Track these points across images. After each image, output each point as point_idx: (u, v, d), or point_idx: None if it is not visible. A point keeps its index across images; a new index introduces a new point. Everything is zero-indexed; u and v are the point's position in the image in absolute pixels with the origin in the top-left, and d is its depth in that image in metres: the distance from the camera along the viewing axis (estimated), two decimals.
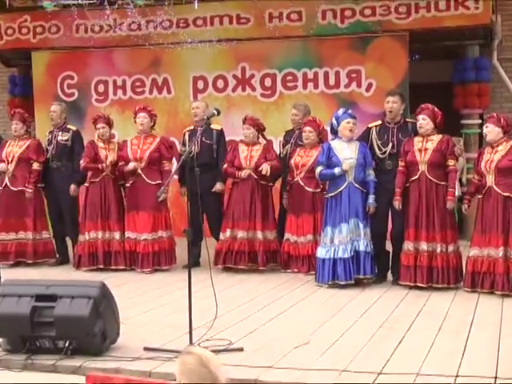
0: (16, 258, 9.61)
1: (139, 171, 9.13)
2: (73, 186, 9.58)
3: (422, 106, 7.94)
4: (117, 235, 9.26)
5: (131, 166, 9.11)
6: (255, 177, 8.98)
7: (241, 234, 8.92)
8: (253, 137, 9.10)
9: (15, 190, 9.60)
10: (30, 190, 9.57)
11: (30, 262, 9.59)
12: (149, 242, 9.00)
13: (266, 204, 9.02)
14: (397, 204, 7.88)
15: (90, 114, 12.27)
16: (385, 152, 8.17)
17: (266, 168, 8.81)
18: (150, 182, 9.05)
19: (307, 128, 8.83)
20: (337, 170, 7.99)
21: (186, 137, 9.47)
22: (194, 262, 8.82)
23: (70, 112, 10.59)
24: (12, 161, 9.65)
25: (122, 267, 9.17)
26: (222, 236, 9.00)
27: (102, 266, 9.20)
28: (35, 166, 9.67)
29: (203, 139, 9.22)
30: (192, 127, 9.51)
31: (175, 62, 12.24)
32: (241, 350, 5.51)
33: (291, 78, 11.90)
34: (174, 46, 11.94)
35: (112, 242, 9.27)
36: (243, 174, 8.95)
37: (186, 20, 12.05)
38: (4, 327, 5.51)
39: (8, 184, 9.61)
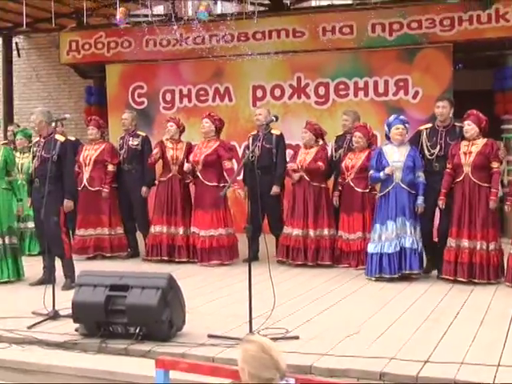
0: (94, 251, 9.74)
1: (198, 173, 9.20)
2: (144, 189, 9.68)
3: (468, 112, 7.83)
4: (181, 230, 9.32)
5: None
6: (307, 179, 8.96)
7: (296, 231, 8.92)
8: (309, 140, 9.07)
9: (93, 189, 9.73)
10: (106, 190, 9.71)
11: (107, 255, 9.72)
12: (206, 238, 9.02)
13: (318, 203, 8.98)
14: (440, 203, 7.82)
15: (159, 120, 12.44)
16: (433, 154, 8.09)
17: (297, 176, 8.87)
18: (206, 182, 9.08)
19: (357, 133, 8.78)
20: (382, 174, 7.99)
21: (250, 141, 9.47)
22: (253, 257, 8.90)
23: (139, 119, 10.72)
24: (89, 163, 9.78)
25: (184, 260, 9.23)
26: (285, 231, 9.04)
27: (166, 258, 9.27)
28: (110, 167, 9.81)
29: (264, 143, 9.23)
30: (255, 132, 9.50)
31: (236, 73, 12.29)
32: (296, 338, 5.50)
33: (343, 86, 11.85)
34: (235, 58, 11.98)
35: (176, 236, 9.32)
36: (295, 176, 8.96)
37: (247, 34, 12.11)
38: (81, 314, 5.60)
39: (86, 184, 9.74)
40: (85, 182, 9.73)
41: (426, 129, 8.29)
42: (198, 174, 9.20)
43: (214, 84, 12.51)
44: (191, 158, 9.24)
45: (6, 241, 8.12)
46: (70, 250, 8.05)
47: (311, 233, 8.87)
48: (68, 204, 7.77)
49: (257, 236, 8.40)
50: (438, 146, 8.08)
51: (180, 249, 9.30)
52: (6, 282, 8.04)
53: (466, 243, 7.62)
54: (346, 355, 5.05)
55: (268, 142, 9.26)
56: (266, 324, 5.72)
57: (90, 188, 9.73)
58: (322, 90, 11.98)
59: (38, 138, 8.10)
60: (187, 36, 12.24)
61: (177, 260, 9.27)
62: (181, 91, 12.75)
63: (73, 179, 8.11)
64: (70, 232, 8.38)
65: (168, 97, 12.83)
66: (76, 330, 5.70)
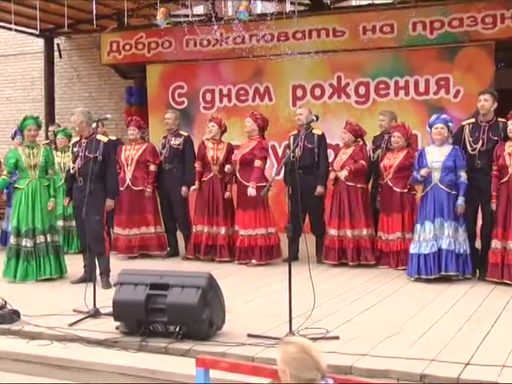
0: (139, 250, 9.84)
1: (236, 173, 9.23)
2: (184, 188, 9.73)
3: None
4: (222, 230, 9.35)
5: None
6: (342, 179, 8.93)
7: (332, 231, 8.90)
8: (348, 141, 9.03)
9: (136, 189, 9.81)
10: (149, 190, 9.81)
11: (151, 253, 9.82)
12: (245, 237, 9.02)
13: (354, 204, 8.93)
14: (493, 206, 7.70)
15: (199, 120, 12.50)
16: (475, 149, 7.99)
17: (343, 174, 8.79)
18: (244, 182, 9.07)
19: (396, 133, 8.72)
20: (419, 175, 7.94)
21: (291, 140, 9.45)
22: (293, 257, 8.87)
23: (180, 118, 10.75)
24: (131, 163, 9.87)
25: (226, 259, 9.25)
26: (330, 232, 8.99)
27: (206, 257, 9.32)
28: (152, 167, 9.89)
29: (305, 143, 9.20)
30: (296, 131, 9.47)
31: (276, 72, 12.29)
32: (336, 338, 5.48)
33: (383, 86, 11.78)
34: (275, 58, 11.98)
35: (218, 236, 9.36)
36: (331, 176, 8.92)
37: (287, 34, 12.10)
38: (121, 312, 5.64)
39: (130, 184, 9.82)
40: (128, 181, 9.81)
41: (469, 124, 8.18)
42: (237, 174, 9.22)
43: (254, 84, 12.53)
44: (233, 157, 9.29)
45: (48, 239, 8.24)
46: (110, 248, 8.12)
47: (348, 233, 8.83)
48: (110, 203, 7.88)
49: (297, 236, 8.39)
50: (480, 141, 7.97)
51: (221, 248, 9.33)
52: (48, 280, 8.16)
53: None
54: (386, 356, 5.02)
55: (310, 142, 9.21)
56: (306, 324, 5.71)
57: (133, 188, 9.81)
58: (362, 90, 11.93)
59: (76, 139, 8.17)
60: (227, 36, 12.27)
61: (218, 260, 9.30)
62: (221, 91, 12.79)
63: (115, 179, 8.17)
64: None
65: (208, 96, 12.88)
66: (116, 328, 5.74)
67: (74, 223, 9.90)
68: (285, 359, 2.91)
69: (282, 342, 3.11)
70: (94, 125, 7.88)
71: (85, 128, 7.93)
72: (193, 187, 9.62)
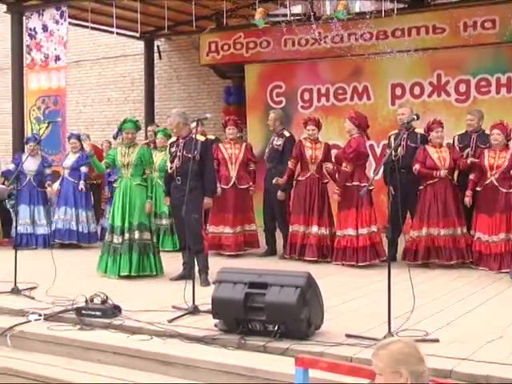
0: (244, 248, 9.98)
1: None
2: (279, 193, 9.70)
3: None
4: (315, 229, 9.32)
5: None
6: (449, 177, 8.77)
7: (432, 230, 8.71)
8: (442, 138, 8.90)
9: (241, 188, 9.94)
10: (253, 188, 10.02)
11: (253, 251, 9.95)
12: (341, 237, 8.96)
13: (457, 202, 8.77)
14: None
15: (297, 119, 12.51)
16: None
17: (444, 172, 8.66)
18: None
19: (495, 131, 8.53)
20: None
21: (392, 140, 9.33)
22: (391, 257, 8.76)
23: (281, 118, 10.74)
24: (236, 162, 9.99)
25: (317, 259, 9.22)
26: (412, 233, 8.81)
27: (297, 257, 9.32)
28: (252, 166, 10.06)
29: (408, 142, 9.09)
30: (396, 131, 9.35)
31: (375, 71, 12.19)
32: (436, 341, 5.38)
33: (485, 83, 11.52)
34: (373, 56, 11.90)
35: (312, 235, 9.34)
36: (442, 173, 8.72)
37: (386, 32, 11.99)
38: (220, 310, 5.70)
39: (236, 183, 9.93)
40: (234, 180, 9.94)
41: None
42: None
43: (352, 83, 12.47)
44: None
45: (136, 236, 8.37)
46: (208, 246, 8.22)
47: (442, 232, 8.65)
48: (208, 201, 7.99)
49: (396, 237, 8.28)
50: None
51: (315, 248, 9.30)
52: (147, 276, 8.32)
53: None
54: (487, 361, 4.89)
55: (413, 141, 9.09)
56: (405, 325, 5.63)
57: (238, 186, 9.94)
58: (462, 87, 11.70)
59: (174, 139, 8.29)
60: (325, 35, 12.26)
61: (309, 259, 9.26)
62: (319, 90, 12.78)
63: (213, 177, 8.25)
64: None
65: (306, 96, 12.90)
66: (215, 326, 5.81)
67: (164, 221, 10.13)
68: (395, 358, 2.85)
69: (378, 347, 3.02)
70: (193, 124, 7.99)
71: (182, 129, 8.05)
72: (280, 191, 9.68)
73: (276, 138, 10.00)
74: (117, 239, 8.35)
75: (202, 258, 7.90)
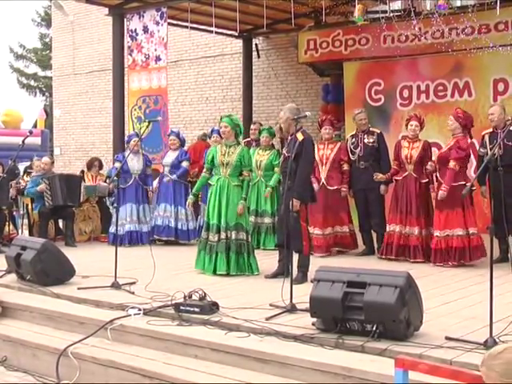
0: (333, 248, 9.93)
1: (437, 172, 9.02)
2: (382, 187, 9.66)
3: None
4: (415, 231, 9.17)
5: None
6: None
7: None
8: None
9: (331, 188, 9.85)
10: (344, 189, 9.87)
11: (343, 251, 9.88)
12: (441, 238, 8.74)
13: None
14: None
15: (395, 117, 12.37)
16: None
17: None
18: (442, 182, 8.83)
19: None
20: None
21: (486, 139, 9.08)
22: (500, 258, 8.52)
23: (376, 116, 10.69)
24: (326, 163, 9.92)
25: (419, 260, 9.07)
26: None
27: (398, 258, 9.19)
28: (345, 166, 9.90)
29: (505, 141, 8.82)
30: (491, 129, 9.10)
31: (476, 66, 11.89)
32: None
33: None
34: (475, 51, 11.61)
35: (411, 236, 9.19)
36: None
37: (488, 25, 11.66)
38: (318, 308, 5.67)
39: (325, 183, 9.87)
40: (323, 181, 9.87)
41: None
42: (437, 173, 9.02)
43: (452, 79, 12.20)
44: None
45: (233, 236, 8.40)
46: (309, 246, 8.14)
47: None
48: (295, 203, 7.45)
49: (503, 237, 8.04)
50: None
51: (415, 249, 9.16)
52: (243, 274, 8.37)
53: None
54: None
55: (510, 140, 8.82)
56: (508, 329, 5.46)
57: (328, 187, 9.85)
58: None
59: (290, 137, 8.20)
60: (426, 30, 12.04)
61: (411, 260, 9.14)
62: (418, 87, 12.57)
63: (302, 180, 7.83)
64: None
65: (405, 93, 12.71)
66: (313, 325, 5.79)
67: (266, 220, 10.18)
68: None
69: (490, 355, 2.88)
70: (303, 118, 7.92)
71: (290, 125, 7.99)
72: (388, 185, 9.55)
73: (366, 136, 9.84)
74: (212, 237, 8.41)
75: (302, 257, 7.86)
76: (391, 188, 9.66)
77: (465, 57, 11.88)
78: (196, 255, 8.68)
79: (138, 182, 11.24)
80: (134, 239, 11.09)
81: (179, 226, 11.08)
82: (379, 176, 9.53)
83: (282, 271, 7.60)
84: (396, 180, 9.47)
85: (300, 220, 7.76)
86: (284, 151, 8.07)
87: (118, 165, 10.91)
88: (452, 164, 8.71)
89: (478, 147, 9.60)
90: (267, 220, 10.32)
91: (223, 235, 8.37)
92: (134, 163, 11.08)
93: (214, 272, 8.35)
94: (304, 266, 7.87)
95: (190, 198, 8.96)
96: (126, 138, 12.22)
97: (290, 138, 8.01)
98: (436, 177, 9.18)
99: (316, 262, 7.65)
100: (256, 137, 11.21)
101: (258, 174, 10.27)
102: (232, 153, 8.51)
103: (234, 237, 8.38)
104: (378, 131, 10.03)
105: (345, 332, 5.54)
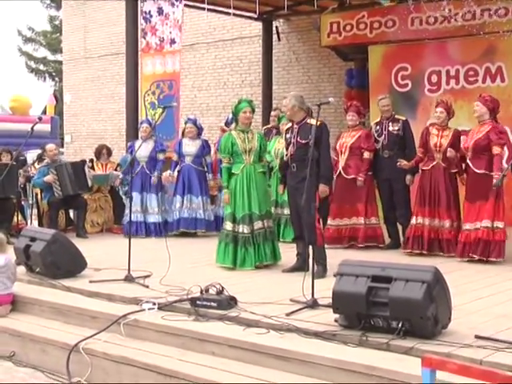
0: (349, 241, 9.85)
1: (468, 160, 8.90)
2: (408, 176, 9.62)
3: None
4: (447, 223, 9.13)
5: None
6: None
7: None
8: None
9: (348, 177, 9.82)
10: (360, 179, 9.75)
11: (360, 245, 9.78)
12: (471, 231, 8.68)
13: None
14: None
15: (423, 103, 12.32)
16: None
17: None
18: (476, 170, 8.70)
19: None
20: None
21: None
22: None
23: (403, 102, 10.64)
24: (345, 150, 9.89)
25: (451, 254, 9.01)
26: None
27: (426, 252, 9.14)
28: (366, 155, 9.83)
29: None
30: None
31: (510, 50, 11.76)
32: None
33: None
34: (509, 34, 11.50)
35: (441, 229, 9.14)
36: None
37: None
38: (341, 304, 5.66)
39: (342, 172, 9.86)
40: (340, 169, 9.85)
41: None
42: (468, 162, 8.90)
43: (484, 63, 12.09)
44: (462, 144, 9.00)
45: (265, 224, 8.46)
46: (322, 237, 8.12)
47: None
48: (323, 189, 7.82)
49: None
50: None
51: (448, 243, 9.12)
52: (261, 267, 8.39)
53: None
54: None
55: None
56: None
57: (345, 176, 9.83)
58: None
59: (289, 125, 8.28)
60: (456, 12, 11.94)
61: (443, 254, 9.10)
62: (448, 72, 12.47)
63: (328, 164, 8.08)
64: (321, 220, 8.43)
65: (434, 78, 12.62)
66: (335, 321, 5.78)
67: (286, 211, 10.15)
68: None
69: None
70: (315, 108, 7.91)
71: (296, 112, 8.03)
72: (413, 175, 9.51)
73: (391, 124, 9.82)
74: (245, 229, 8.39)
75: (318, 249, 7.85)
76: (417, 178, 9.60)
77: (497, 40, 11.77)
78: (217, 249, 8.59)
79: (144, 169, 11.25)
80: (138, 230, 11.08)
81: (207, 218, 11.16)
82: (403, 163, 9.46)
83: (300, 266, 7.59)
84: (423, 170, 9.40)
85: (314, 210, 7.76)
86: (292, 140, 8.01)
87: (129, 157, 10.95)
88: (497, 150, 8.57)
89: (510, 135, 9.55)
90: (286, 211, 10.27)
91: (260, 225, 8.43)
92: (142, 150, 10.88)
93: (255, 265, 8.37)
94: (322, 259, 7.85)
95: (226, 192, 8.61)
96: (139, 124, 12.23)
97: (296, 126, 8.02)
98: (465, 166, 9.03)
99: (335, 255, 7.63)
100: (276, 124, 11.17)
101: (277, 162, 10.23)
102: (252, 138, 8.54)
103: (266, 225, 8.48)
104: (404, 118, 9.98)
105: (369, 329, 5.53)
